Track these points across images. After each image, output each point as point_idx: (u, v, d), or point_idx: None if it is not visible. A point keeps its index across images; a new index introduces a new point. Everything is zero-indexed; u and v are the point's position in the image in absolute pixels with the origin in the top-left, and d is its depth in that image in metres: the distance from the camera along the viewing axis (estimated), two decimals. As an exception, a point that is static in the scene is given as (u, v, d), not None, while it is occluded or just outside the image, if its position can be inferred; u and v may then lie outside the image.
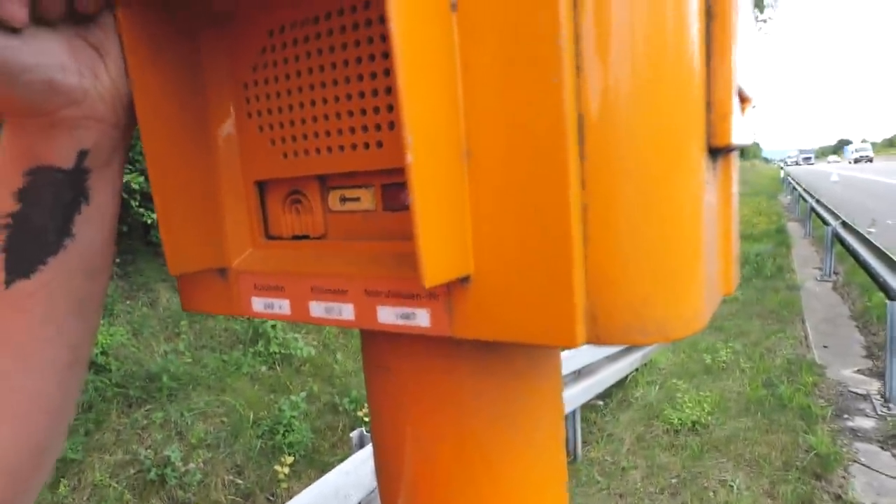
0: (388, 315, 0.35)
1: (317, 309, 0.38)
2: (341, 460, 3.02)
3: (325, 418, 4.18)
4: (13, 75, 0.31)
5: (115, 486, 3.24)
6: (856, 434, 3.91)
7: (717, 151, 0.33)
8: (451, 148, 0.30)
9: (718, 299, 0.38)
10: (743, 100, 0.37)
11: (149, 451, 3.44)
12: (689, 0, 0.29)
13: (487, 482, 0.42)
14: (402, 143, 0.27)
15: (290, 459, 3.58)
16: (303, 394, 4.15)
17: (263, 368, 4.46)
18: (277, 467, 3.53)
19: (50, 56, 0.32)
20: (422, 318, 0.34)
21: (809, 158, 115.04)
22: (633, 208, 0.29)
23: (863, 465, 3.54)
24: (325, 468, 3.55)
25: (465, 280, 0.32)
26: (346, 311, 0.37)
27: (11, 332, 0.35)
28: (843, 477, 3.42)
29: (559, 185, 0.29)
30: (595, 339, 0.30)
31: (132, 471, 3.35)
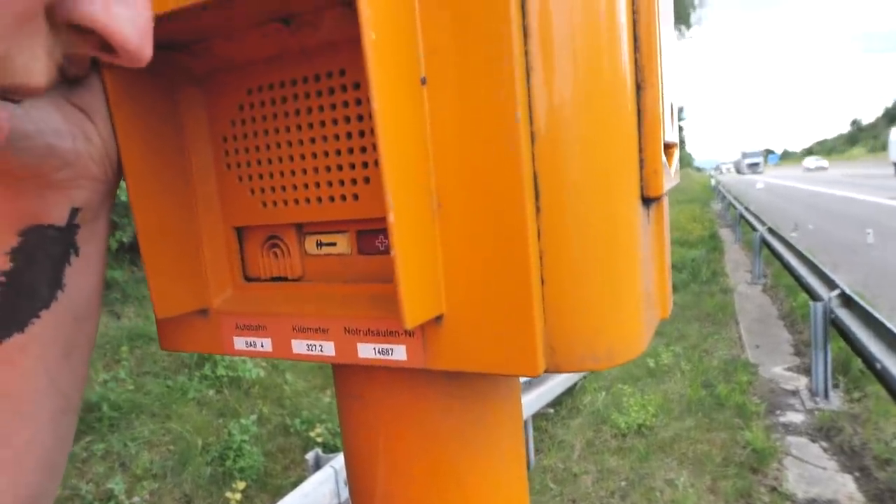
0: (367, 351, 0.39)
1: (299, 346, 0.41)
2: (295, 483, 2.96)
3: (277, 441, 4.09)
4: (13, 142, 0.33)
5: (53, 525, 3.06)
6: (787, 428, 4.16)
7: (650, 200, 0.38)
8: (425, 204, 0.34)
9: (656, 323, 0.43)
10: (669, 147, 0.43)
11: (90, 484, 3.27)
12: (623, 77, 0.34)
13: (458, 497, 0.46)
14: (384, 204, 0.31)
15: (241, 485, 3.48)
16: (253, 417, 4.05)
17: (211, 392, 4.32)
18: (229, 494, 3.42)
19: (46, 122, 0.34)
20: (399, 353, 0.38)
21: (757, 165, 75.47)
22: (583, 253, 0.34)
23: (795, 457, 3.77)
24: (278, 492, 3.47)
25: (438, 318, 0.36)
26: (328, 348, 0.40)
27: (4, 385, 0.36)
28: (778, 469, 3.64)
29: (519, 236, 0.33)
30: (554, 368, 0.34)
31: (71, 507, 3.17)
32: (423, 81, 0.34)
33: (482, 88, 0.33)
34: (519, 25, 0.32)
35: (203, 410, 4.13)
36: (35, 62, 0.24)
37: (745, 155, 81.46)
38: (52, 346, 0.37)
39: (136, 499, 3.27)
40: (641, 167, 0.36)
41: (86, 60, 0.36)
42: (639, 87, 0.36)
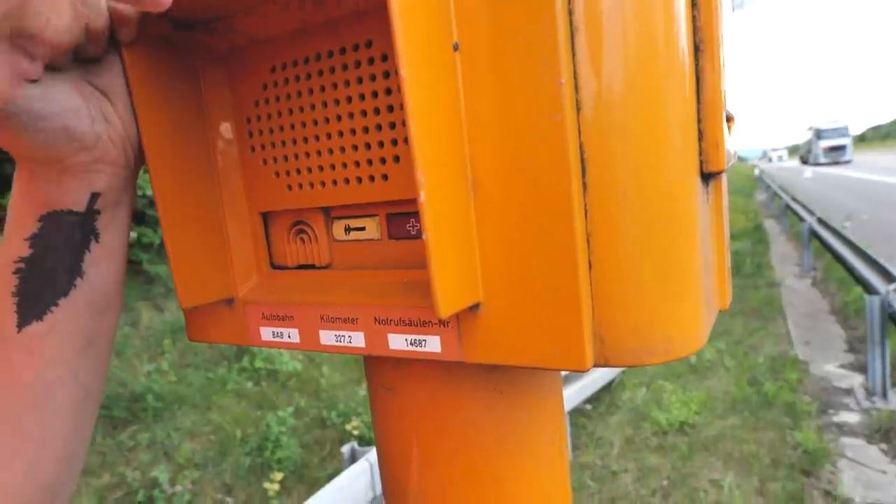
0: (399, 342, 0.36)
1: (327, 337, 0.39)
2: (331, 475, 2.99)
3: (314, 433, 4.15)
4: (30, 122, 0.31)
5: (102, 511, 3.17)
6: (841, 429, 3.98)
7: (710, 176, 0.34)
8: (459, 182, 0.31)
9: (715, 315, 0.39)
10: (728, 120, 0.39)
11: (136, 472, 3.38)
12: (679, 37, 0.30)
13: (497, 498, 0.43)
14: (414, 182, 0.28)
15: (279, 476, 3.54)
16: (290, 409, 4.11)
17: (249, 384, 4.41)
18: (267, 484, 3.49)
19: (63, 103, 0.33)
20: (433, 345, 0.35)
21: (842, 150, 40.47)
22: (634, 235, 0.31)
23: (850, 459, 3.60)
24: (315, 483, 3.51)
25: (474, 307, 0.33)
26: (357, 339, 0.38)
27: (23, 375, 0.35)
28: (832, 472, 3.48)
29: (564, 215, 0.30)
30: (604, 362, 0.31)
31: (120, 493, 3.29)
32: (456, 47, 0.31)
33: (521, 53, 0.29)
34: (563, -20, 0.28)
35: (242, 402, 4.22)
36: (56, 14, 0.22)
37: (819, 134, 40.77)
38: (71, 336, 0.36)
39: (178, 487, 3.36)
40: (700, 139, 0.33)
41: (103, 39, 0.34)
42: (697, 49, 0.32)
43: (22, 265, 0.35)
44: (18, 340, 0.35)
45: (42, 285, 0.35)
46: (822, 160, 39.53)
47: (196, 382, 4.23)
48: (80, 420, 0.38)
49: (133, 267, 4.85)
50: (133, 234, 4.56)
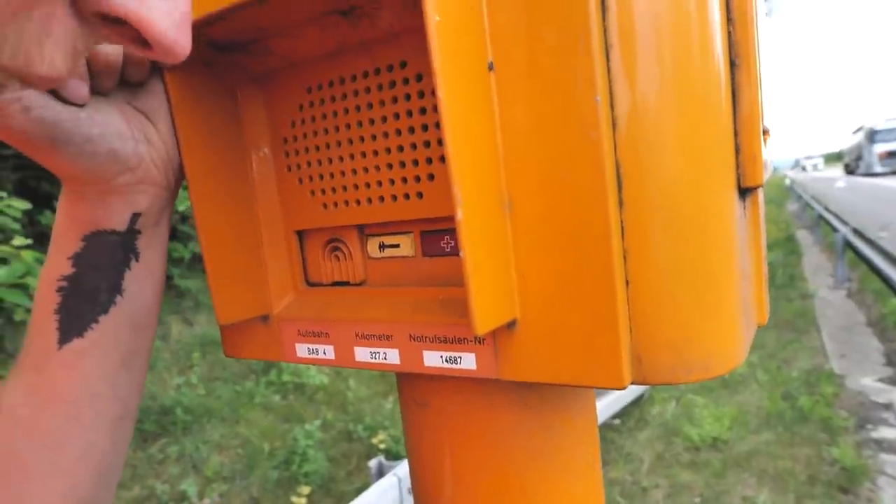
0: (434, 359, 0.36)
1: (362, 354, 0.39)
2: (358, 489, 2.98)
3: (340, 446, 4.15)
4: (77, 145, 0.33)
5: (133, 523, 3.21)
6: (881, 445, 3.83)
7: (747, 191, 0.34)
8: (495, 199, 0.31)
9: (754, 330, 0.38)
10: (764, 133, 0.39)
11: (165, 485, 3.43)
12: (715, 53, 0.30)
13: (530, 517, 0.43)
14: (451, 199, 0.28)
15: (306, 490, 3.55)
16: (317, 422, 4.13)
17: (277, 398, 4.44)
18: (294, 498, 3.50)
19: (108, 126, 0.34)
20: (468, 362, 0.35)
21: None
22: (672, 251, 0.30)
23: (891, 476, 3.47)
24: (341, 497, 3.51)
25: (511, 324, 0.33)
26: (392, 356, 0.38)
27: (63, 390, 0.36)
28: (871, 490, 3.34)
29: (600, 232, 0.30)
30: (641, 380, 0.31)
31: (149, 507, 3.33)
32: (491, 67, 0.31)
33: (556, 71, 0.30)
34: (597, -1, 0.29)
35: (269, 415, 4.26)
36: (41, 49, 0.21)
37: (873, 136, 30.08)
38: (111, 352, 0.37)
39: (206, 501, 3.39)
40: (737, 153, 0.32)
41: (146, 65, 0.35)
42: (733, 64, 0.32)
43: (65, 283, 0.36)
44: (59, 357, 0.36)
45: (83, 303, 0.36)
46: (878, 169, 29.57)
47: (224, 396, 4.28)
48: (118, 436, 0.39)
49: (165, 282, 4.94)
50: (164, 250, 4.65)
